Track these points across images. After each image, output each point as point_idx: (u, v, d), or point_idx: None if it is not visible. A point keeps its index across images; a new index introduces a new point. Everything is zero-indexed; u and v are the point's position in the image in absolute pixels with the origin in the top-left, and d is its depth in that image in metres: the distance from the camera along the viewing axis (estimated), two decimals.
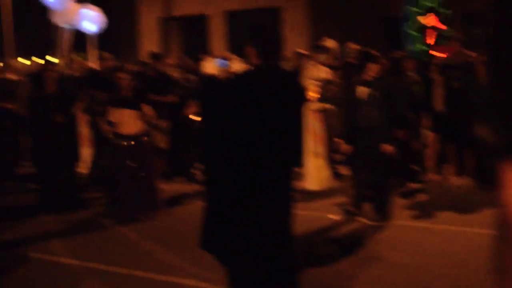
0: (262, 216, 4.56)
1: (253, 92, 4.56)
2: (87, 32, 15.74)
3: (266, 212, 4.57)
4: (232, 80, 5.06)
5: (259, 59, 4.67)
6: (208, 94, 5.10)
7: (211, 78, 8.67)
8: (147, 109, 9.01)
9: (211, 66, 9.97)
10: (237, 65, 8.02)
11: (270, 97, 4.52)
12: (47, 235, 8.13)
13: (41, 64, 13.94)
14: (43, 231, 8.35)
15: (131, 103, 8.83)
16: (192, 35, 28.09)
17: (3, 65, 13.57)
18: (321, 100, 10.06)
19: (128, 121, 8.79)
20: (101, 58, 11.83)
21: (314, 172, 10.13)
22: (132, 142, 8.76)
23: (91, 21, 15.34)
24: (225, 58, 7.86)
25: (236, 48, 26.07)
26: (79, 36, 15.73)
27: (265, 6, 25.45)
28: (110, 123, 9.03)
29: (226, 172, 4.55)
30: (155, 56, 11.79)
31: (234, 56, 8.64)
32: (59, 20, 14.76)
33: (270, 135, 4.50)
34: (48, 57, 16.63)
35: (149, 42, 27.68)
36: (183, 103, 10.94)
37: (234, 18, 26.68)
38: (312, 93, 9.79)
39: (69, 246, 7.66)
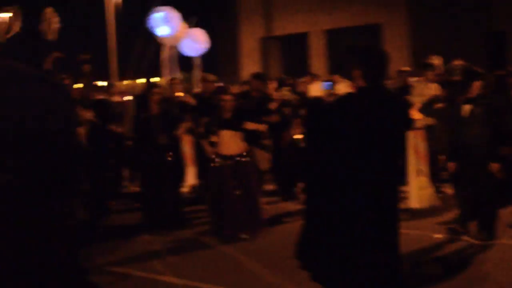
0: (367, 237, 4.55)
1: (357, 114, 4.56)
2: (191, 54, 16.07)
3: (371, 233, 4.56)
4: (337, 103, 5.07)
5: (364, 82, 4.69)
6: (313, 116, 5.13)
7: (316, 101, 8.71)
8: (252, 126, 9.14)
9: (316, 88, 10.01)
10: (342, 87, 8.04)
11: (375, 119, 4.51)
12: (150, 254, 8.27)
13: (145, 85, 14.31)
14: (146, 250, 8.50)
15: (233, 124, 8.97)
16: (292, 54, 28.22)
17: (108, 86, 14.00)
18: (425, 117, 9.96)
19: (229, 142, 8.93)
20: (204, 80, 12.01)
21: (417, 190, 9.99)
22: (233, 162, 8.88)
23: (194, 43, 15.66)
24: (329, 80, 7.91)
25: (336, 66, 26.06)
26: (184, 57, 16.07)
27: (365, 23, 25.29)
28: (213, 144, 9.21)
29: (329, 192, 4.58)
30: (258, 77, 11.85)
31: (339, 78, 8.66)
32: (166, 41, 15.14)
33: (374, 156, 4.49)
34: (152, 79, 17.12)
35: (250, 62, 27.98)
36: (287, 123, 11.04)
37: (334, 36, 26.63)
38: (417, 111, 9.70)
39: (172, 264, 7.76)
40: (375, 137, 4.49)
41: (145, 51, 15.98)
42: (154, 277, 7.28)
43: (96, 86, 12.28)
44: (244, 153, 8.96)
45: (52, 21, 12.40)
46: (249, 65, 27.68)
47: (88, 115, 8.92)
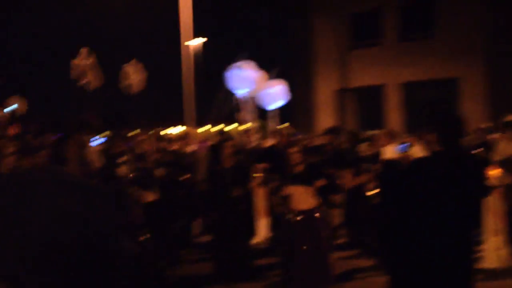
0: None
1: (431, 180, 4.54)
2: (271, 106, 16.23)
3: None
4: (411, 167, 5.06)
5: (440, 146, 4.66)
6: (387, 179, 5.13)
7: (391, 163, 8.65)
8: (324, 182, 9.11)
9: (391, 150, 9.94)
10: (417, 150, 7.94)
11: (449, 183, 4.48)
12: None
13: (219, 134, 14.45)
14: None
15: (304, 179, 8.93)
16: (368, 106, 28.15)
17: (183, 135, 14.20)
18: (504, 174, 9.73)
19: (301, 197, 8.89)
20: (278, 133, 12.02)
21: (494, 250, 9.72)
22: (304, 217, 8.83)
23: (275, 95, 15.79)
24: (405, 142, 7.86)
25: (413, 120, 25.86)
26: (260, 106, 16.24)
27: (443, 77, 25.09)
28: (284, 198, 9.20)
29: (406, 252, 4.56)
30: (333, 131, 11.83)
31: (414, 140, 8.61)
32: (244, 91, 15.34)
33: (448, 219, 4.46)
34: (225, 128, 17.32)
35: (325, 114, 28.05)
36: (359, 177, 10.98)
37: (411, 89, 26.50)
38: (495, 169, 9.49)
39: None
40: (447, 201, 4.44)
41: (225, 99, 16.24)
42: None
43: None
44: (315, 208, 8.89)
45: (136, 75, 12.80)
46: (324, 117, 27.77)
47: (160, 170, 9.06)
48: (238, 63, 14.92)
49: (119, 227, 2.43)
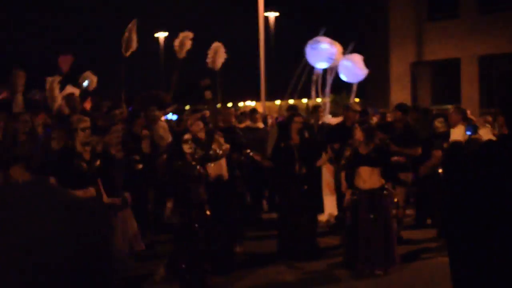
0: None
1: (497, 166, 4.31)
2: (350, 80, 16.05)
3: None
4: (478, 151, 4.81)
5: (508, 129, 4.42)
6: (452, 163, 4.98)
7: (456, 146, 8.46)
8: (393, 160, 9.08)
9: (458, 132, 9.68)
10: (485, 133, 7.75)
11: None
12: (282, 284, 8.33)
13: (288, 109, 14.37)
14: (278, 281, 8.54)
15: (370, 159, 8.86)
16: (443, 80, 27.60)
17: (251, 112, 14.20)
18: None
19: (367, 177, 8.83)
20: (348, 109, 11.79)
21: None
22: (371, 196, 8.77)
23: (354, 69, 15.60)
24: (474, 125, 7.64)
25: (488, 95, 25.21)
26: (335, 79, 16.07)
27: None
28: (349, 176, 9.16)
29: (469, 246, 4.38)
30: (401, 108, 11.57)
31: (484, 123, 8.34)
32: (320, 63, 15.23)
33: None
34: (292, 102, 17.25)
35: (399, 87, 27.66)
36: (427, 155, 10.77)
37: (487, 63, 25.82)
38: None
39: None
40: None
41: (302, 73, 16.13)
42: None
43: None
44: (381, 188, 8.81)
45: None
46: (399, 91, 27.39)
47: (225, 146, 9.06)
48: (317, 38, 14.77)
49: (109, 245, 2.40)
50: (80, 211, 2.25)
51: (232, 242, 9.38)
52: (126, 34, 12.91)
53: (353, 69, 15.64)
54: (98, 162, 8.48)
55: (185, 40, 13.12)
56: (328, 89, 15.62)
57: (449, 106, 14.68)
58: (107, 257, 2.36)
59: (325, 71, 15.25)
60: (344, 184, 9.35)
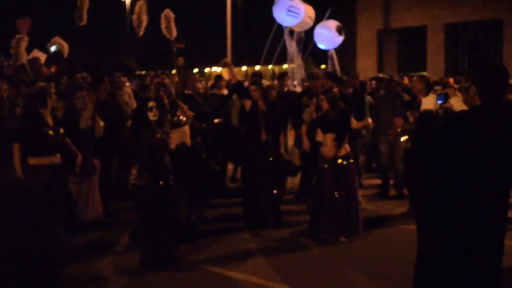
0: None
1: (468, 137, 4.32)
2: (327, 47, 16.00)
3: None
4: (449, 122, 4.80)
5: (480, 100, 4.41)
6: (423, 132, 4.97)
7: (428, 115, 8.48)
8: (357, 125, 9.16)
9: (429, 101, 9.73)
10: (456, 103, 7.78)
11: (488, 144, 4.25)
12: (245, 253, 8.33)
13: (252, 75, 14.33)
14: (242, 249, 8.56)
15: (333, 127, 8.88)
16: (409, 47, 27.71)
17: (216, 78, 14.13)
18: None
19: (330, 145, 8.86)
20: (311, 77, 11.77)
21: None
22: (335, 165, 8.80)
23: (330, 35, 15.54)
24: (445, 94, 7.66)
25: (454, 62, 25.41)
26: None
27: (487, 18, 24.47)
28: (317, 143, 9.19)
29: (436, 213, 4.41)
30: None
31: (455, 93, 8.39)
32: (295, 29, 15.20)
33: (486, 183, 4.27)
34: (258, 68, 17.19)
35: (366, 55, 27.69)
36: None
37: (453, 31, 25.94)
38: None
39: (264, 265, 7.76)
40: (488, 167, 4.22)
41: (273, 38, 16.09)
42: (244, 278, 7.30)
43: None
44: (345, 156, 8.84)
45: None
46: (365, 58, 27.42)
47: (189, 113, 9.01)
48: None
49: (51, 224, 2.36)
50: (19, 194, 2.23)
51: (195, 209, 9.35)
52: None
53: (329, 35, 15.59)
54: (62, 129, 8.46)
55: (141, 13, 13.08)
56: (296, 54, 15.58)
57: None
58: (49, 232, 2.34)
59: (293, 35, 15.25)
60: (306, 141, 9.39)
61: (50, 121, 8.38)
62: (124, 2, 45.89)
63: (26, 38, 12.84)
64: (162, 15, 12.41)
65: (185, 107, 9.05)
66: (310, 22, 15.48)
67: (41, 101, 8.39)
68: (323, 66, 18.66)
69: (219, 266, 7.72)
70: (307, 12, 15.06)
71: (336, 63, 15.91)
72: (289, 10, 14.51)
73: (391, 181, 11.86)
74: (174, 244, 7.78)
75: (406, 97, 11.71)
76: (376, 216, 10.26)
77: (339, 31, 15.59)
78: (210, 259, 8.02)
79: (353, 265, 7.68)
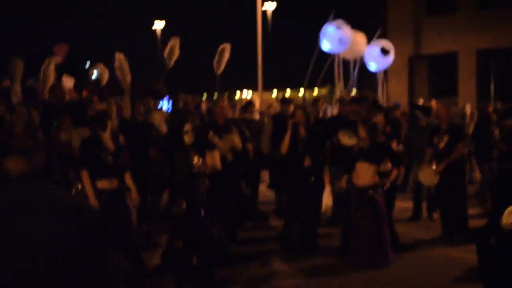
0: None
1: None
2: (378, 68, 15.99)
3: None
4: None
5: None
6: None
7: None
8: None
9: None
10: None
11: None
12: (278, 278, 8.33)
13: (282, 101, 14.35)
14: (275, 273, 8.58)
15: (367, 155, 8.90)
16: (440, 74, 27.63)
17: (247, 104, 14.11)
18: None
19: (362, 172, 8.85)
20: (341, 101, 11.75)
21: None
22: (365, 193, 8.77)
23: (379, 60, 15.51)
24: None
25: (486, 89, 25.27)
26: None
27: None
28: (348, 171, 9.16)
29: None
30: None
31: None
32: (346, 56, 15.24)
33: None
34: (288, 94, 17.19)
35: (397, 81, 27.65)
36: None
37: (485, 57, 25.83)
38: None
39: None
40: None
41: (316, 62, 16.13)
42: None
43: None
44: (375, 185, 8.80)
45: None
46: (396, 84, 27.39)
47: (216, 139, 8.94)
48: (334, 22, 14.76)
49: (105, 246, 2.31)
50: (69, 210, 2.19)
51: (230, 234, 9.35)
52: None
53: (381, 56, 15.54)
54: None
55: (174, 49, 13.27)
56: (352, 81, 15.55)
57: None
58: (102, 254, 2.30)
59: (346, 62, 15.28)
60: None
61: (110, 144, 8.09)
62: (155, 31, 46.55)
63: (56, 60, 12.93)
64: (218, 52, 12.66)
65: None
66: (363, 51, 15.53)
67: (102, 123, 8.03)
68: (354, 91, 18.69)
69: None
70: (360, 40, 15.11)
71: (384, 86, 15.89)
72: (340, 40, 14.55)
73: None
74: (211, 269, 7.77)
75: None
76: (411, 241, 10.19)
77: (384, 51, 15.58)
78: (242, 283, 8.02)
79: None
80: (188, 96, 17.07)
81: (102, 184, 7.82)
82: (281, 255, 9.37)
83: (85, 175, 7.80)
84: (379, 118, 9.74)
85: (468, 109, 16.35)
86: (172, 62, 13.42)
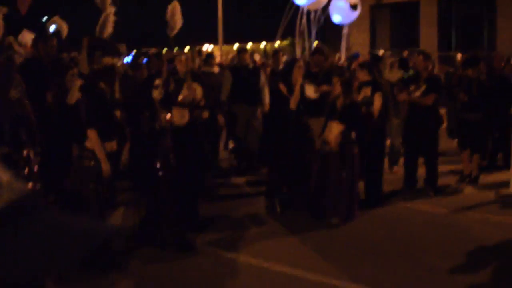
0: None
1: None
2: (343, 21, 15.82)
3: None
4: None
5: None
6: None
7: None
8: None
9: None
10: None
11: None
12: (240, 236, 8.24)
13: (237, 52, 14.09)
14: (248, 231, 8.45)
15: (344, 118, 8.57)
16: (402, 23, 27.64)
17: (207, 57, 13.80)
18: None
19: (336, 131, 8.58)
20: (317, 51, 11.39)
21: None
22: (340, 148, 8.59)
23: (344, 13, 15.34)
24: None
25: (447, 37, 25.33)
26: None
27: None
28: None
29: None
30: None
31: None
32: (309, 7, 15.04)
33: None
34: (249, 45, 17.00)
35: (358, 31, 27.58)
36: None
37: (447, 5, 25.86)
38: None
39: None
40: None
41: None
42: (241, 259, 7.22)
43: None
44: (345, 140, 8.57)
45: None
46: (357, 34, 27.31)
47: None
48: None
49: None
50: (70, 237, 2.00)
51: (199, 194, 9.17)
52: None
53: (347, 9, 15.35)
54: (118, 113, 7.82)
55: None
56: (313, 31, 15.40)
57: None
58: None
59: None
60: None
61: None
62: None
63: (4, 11, 12.35)
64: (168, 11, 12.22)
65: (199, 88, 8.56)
66: (324, 1, 15.36)
67: (109, 78, 7.14)
68: (316, 42, 18.48)
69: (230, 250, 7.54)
70: None
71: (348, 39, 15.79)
72: None
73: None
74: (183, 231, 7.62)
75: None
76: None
77: (353, 7, 15.42)
78: (215, 242, 7.88)
79: (347, 247, 7.62)
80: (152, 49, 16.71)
81: (107, 145, 6.94)
82: (249, 214, 9.19)
83: (93, 135, 6.83)
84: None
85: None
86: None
